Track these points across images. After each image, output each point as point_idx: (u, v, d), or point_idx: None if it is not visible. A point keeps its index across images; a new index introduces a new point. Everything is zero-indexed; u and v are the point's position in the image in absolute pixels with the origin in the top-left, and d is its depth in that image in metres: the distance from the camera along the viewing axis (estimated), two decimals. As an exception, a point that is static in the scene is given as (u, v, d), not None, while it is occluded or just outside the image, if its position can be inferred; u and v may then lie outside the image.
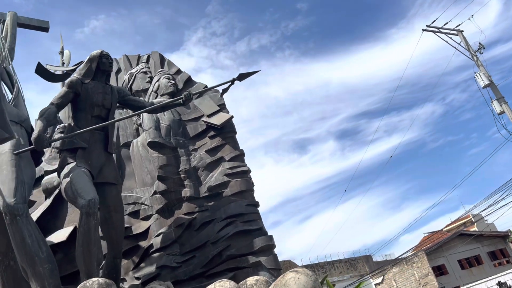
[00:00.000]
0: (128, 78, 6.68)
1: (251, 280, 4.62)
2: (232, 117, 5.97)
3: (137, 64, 6.84)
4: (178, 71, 6.56)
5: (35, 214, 5.78)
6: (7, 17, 13.81)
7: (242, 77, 5.43)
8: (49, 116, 4.74)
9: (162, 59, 6.76)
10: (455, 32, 17.70)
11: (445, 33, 17.48)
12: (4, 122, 4.29)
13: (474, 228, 39.79)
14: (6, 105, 5.04)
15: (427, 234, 40.77)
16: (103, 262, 5.14)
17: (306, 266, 38.88)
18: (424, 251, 34.05)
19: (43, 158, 6.20)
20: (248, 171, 5.77)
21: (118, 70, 7.00)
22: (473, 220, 39.35)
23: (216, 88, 5.74)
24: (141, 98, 6.44)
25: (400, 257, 31.38)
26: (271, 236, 5.39)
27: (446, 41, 17.51)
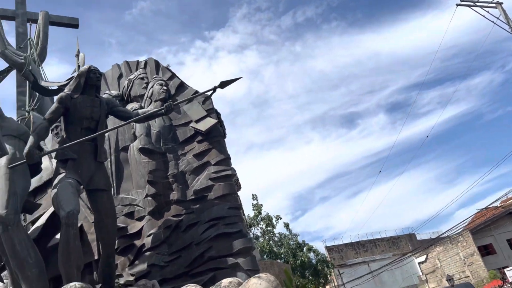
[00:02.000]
0: (127, 84, 7.05)
1: (225, 281, 4.92)
2: (217, 122, 6.20)
3: (136, 70, 7.18)
4: (171, 77, 6.83)
5: (45, 215, 6.36)
6: (39, 16, 14.60)
7: (223, 84, 5.60)
8: (40, 131, 5.19)
9: (157, 65, 7.04)
10: (493, 5, 16.60)
11: (482, 7, 16.44)
12: (-6, 140, 4.79)
13: (531, 205, 37.66)
14: (5, 121, 5.56)
15: (479, 210, 38.85)
16: (100, 260, 5.63)
17: (347, 245, 38.90)
18: (469, 230, 32.96)
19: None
20: (232, 175, 6.02)
21: (120, 76, 7.39)
22: (530, 196, 37.24)
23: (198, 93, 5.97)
24: (136, 104, 6.80)
25: (441, 236, 30.59)
26: (249, 239, 5.64)
27: (483, 15, 16.48)
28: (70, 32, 15.59)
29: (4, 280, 6.53)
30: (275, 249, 23.42)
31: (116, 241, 5.98)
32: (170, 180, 6.09)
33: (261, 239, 24.16)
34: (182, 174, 6.10)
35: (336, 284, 36.98)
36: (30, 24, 13.79)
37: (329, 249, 38.53)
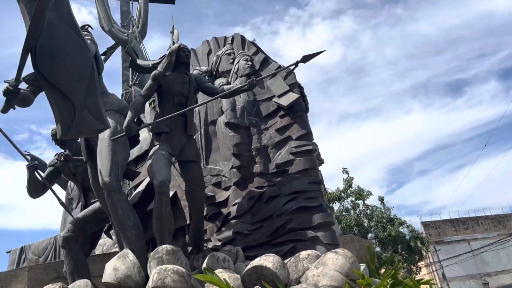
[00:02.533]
0: (215, 60, 7.35)
1: (303, 253, 5.11)
2: (299, 97, 6.23)
3: (224, 46, 7.43)
4: (256, 52, 6.96)
5: (144, 182, 7.04)
6: (139, -6, 15.53)
7: (305, 59, 5.60)
8: (137, 107, 5.71)
9: (243, 40, 7.21)
10: None
11: None
12: (100, 115, 5.35)
13: None
14: (109, 97, 6.17)
15: None
16: (191, 226, 6.13)
17: (445, 221, 36.84)
18: None
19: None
20: (313, 150, 6.06)
21: (209, 52, 7.72)
22: None
23: (280, 68, 6.04)
24: (224, 79, 7.07)
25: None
26: (329, 214, 5.69)
27: None
28: (171, 6, 16.52)
29: (113, 237, 7.42)
30: (365, 223, 23.09)
31: (205, 208, 6.45)
32: (254, 153, 6.34)
33: (351, 212, 23.94)
34: (264, 148, 6.30)
35: (431, 260, 35.50)
36: (132, 3, 14.83)
37: (425, 224, 36.90)
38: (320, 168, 9.30)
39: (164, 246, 4.79)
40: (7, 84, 5.26)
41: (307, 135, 6.13)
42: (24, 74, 5.62)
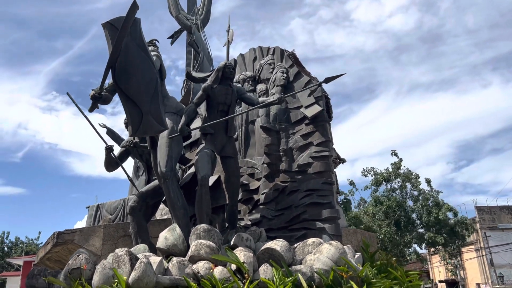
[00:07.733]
0: (258, 68, 8.62)
1: (310, 240, 6.46)
2: (322, 109, 7.39)
3: (267, 55, 8.65)
4: (292, 65, 8.12)
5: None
6: (204, -22, 16.79)
7: (327, 80, 6.73)
8: (189, 113, 7.18)
9: (282, 53, 8.37)
10: None
11: None
12: (161, 119, 6.88)
13: None
14: (169, 100, 7.65)
15: None
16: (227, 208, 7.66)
17: (501, 208, 36.08)
18: None
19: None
20: (330, 156, 7.27)
21: (255, 58, 8.97)
22: None
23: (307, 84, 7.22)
24: (263, 86, 8.34)
25: None
26: (336, 210, 6.96)
27: None
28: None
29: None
30: (411, 204, 23.75)
31: (240, 193, 7.94)
32: (281, 153, 7.68)
33: (397, 192, 24.61)
34: (290, 150, 7.61)
35: (481, 246, 35.29)
36: (197, -11, 16.12)
37: (479, 209, 36.52)
38: (342, 163, 10.43)
39: (202, 225, 6.35)
40: (93, 92, 6.90)
41: (326, 143, 7.33)
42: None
